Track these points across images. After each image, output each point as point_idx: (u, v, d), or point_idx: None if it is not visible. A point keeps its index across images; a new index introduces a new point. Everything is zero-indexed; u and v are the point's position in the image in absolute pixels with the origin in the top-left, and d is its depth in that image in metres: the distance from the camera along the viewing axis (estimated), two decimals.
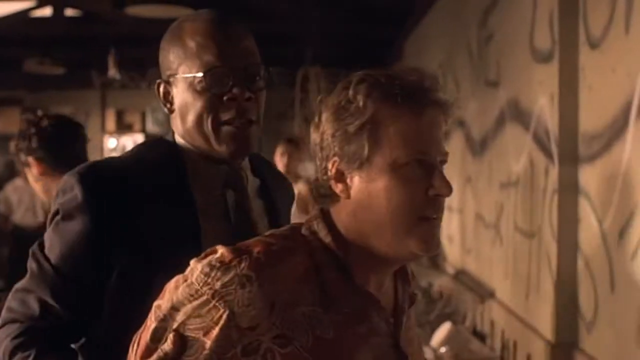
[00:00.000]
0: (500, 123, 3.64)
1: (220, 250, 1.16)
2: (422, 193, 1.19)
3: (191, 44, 1.48)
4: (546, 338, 2.90)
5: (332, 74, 9.68)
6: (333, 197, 1.23)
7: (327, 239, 1.21)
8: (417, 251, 1.20)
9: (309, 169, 9.34)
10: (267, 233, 1.24)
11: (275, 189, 1.68)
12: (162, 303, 1.18)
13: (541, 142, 2.99)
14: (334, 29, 7.51)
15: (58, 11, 7.18)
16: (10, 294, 1.52)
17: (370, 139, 1.17)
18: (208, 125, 1.47)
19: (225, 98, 1.46)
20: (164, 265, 1.30)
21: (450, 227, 4.95)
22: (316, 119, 1.23)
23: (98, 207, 1.42)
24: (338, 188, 1.21)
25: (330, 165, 1.21)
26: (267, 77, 1.53)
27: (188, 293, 1.15)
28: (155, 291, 1.25)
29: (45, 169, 2.71)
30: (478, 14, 4.08)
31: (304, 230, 1.23)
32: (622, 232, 2.40)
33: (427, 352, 3.52)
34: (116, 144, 10.46)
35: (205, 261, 1.15)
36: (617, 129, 2.44)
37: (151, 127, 10.30)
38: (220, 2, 6.63)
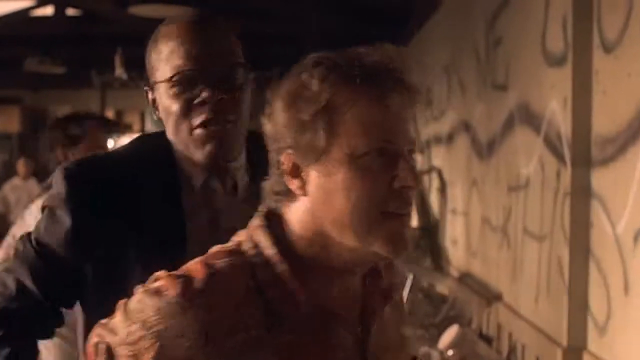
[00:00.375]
0: (509, 126, 3.64)
1: (160, 275, 1.08)
2: (385, 186, 1.06)
3: (164, 48, 1.45)
4: (557, 341, 2.90)
5: None
6: (288, 195, 1.09)
7: (271, 250, 1.08)
8: (382, 252, 1.06)
9: None
10: (214, 248, 1.12)
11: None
12: (105, 322, 1.13)
13: (553, 146, 2.99)
14: (335, 29, 7.52)
15: (59, 10, 7.17)
16: None
17: (326, 127, 1.04)
18: (184, 130, 1.44)
19: (195, 102, 1.42)
20: (145, 264, 1.30)
21: (454, 230, 4.95)
22: (268, 108, 1.09)
23: (80, 202, 1.43)
24: (293, 184, 1.08)
25: (283, 159, 1.08)
26: (247, 76, 1.47)
27: (123, 319, 1.08)
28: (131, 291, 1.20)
29: None
30: (486, 17, 4.08)
31: (244, 245, 1.10)
32: (637, 236, 2.39)
33: (434, 355, 3.52)
34: (115, 144, 10.45)
35: (143, 287, 1.08)
36: (632, 133, 2.44)
37: (150, 127, 10.30)
38: (219, 2, 6.65)
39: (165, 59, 1.44)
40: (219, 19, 1.50)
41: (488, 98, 4.09)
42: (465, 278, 4.51)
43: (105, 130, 3.54)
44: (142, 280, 1.18)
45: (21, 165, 9.34)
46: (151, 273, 1.18)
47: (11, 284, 1.48)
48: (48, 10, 7.28)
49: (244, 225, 1.18)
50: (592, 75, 2.76)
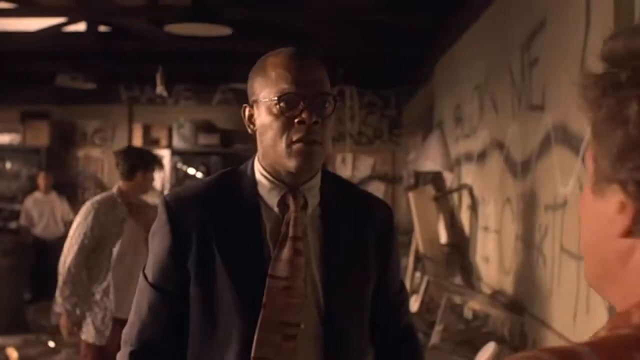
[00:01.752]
0: (546, 146, 3.68)
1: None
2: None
3: (272, 73, 1.72)
4: None
5: (358, 92, 9.79)
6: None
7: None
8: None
9: None
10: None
11: (347, 216, 1.85)
12: None
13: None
14: (364, 49, 7.60)
15: (91, 27, 7.29)
16: None
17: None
18: (282, 143, 1.69)
19: (296, 120, 1.68)
20: (230, 278, 1.69)
21: (486, 247, 4.99)
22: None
23: (177, 227, 1.74)
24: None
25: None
26: (334, 105, 1.76)
27: None
28: (214, 313, 1.70)
29: None
30: (522, 38, 4.13)
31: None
32: None
33: None
34: None
35: None
36: None
37: (177, 142, 10.38)
38: (256, 23, 6.75)
39: (272, 83, 1.71)
40: (314, 53, 1.79)
41: (523, 118, 4.14)
42: (497, 295, 4.54)
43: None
44: (228, 291, 1.67)
45: (41, 179, 9.48)
46: (236, 283, 1.68)
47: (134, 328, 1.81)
48: (79, 27, 7.39)
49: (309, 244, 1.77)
50: None
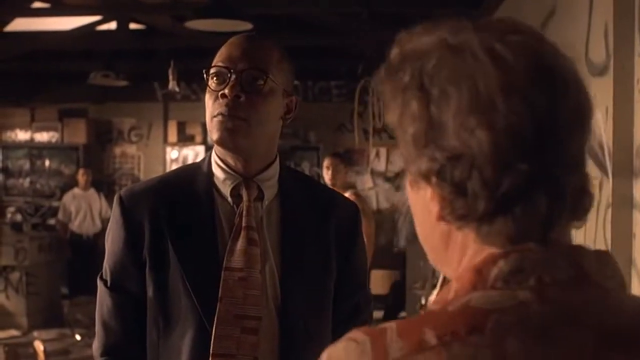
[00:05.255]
0: None
1: None
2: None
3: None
4: None
5: None
6: None
7: None
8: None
9: (359, 181, 9.36)
10: None
11: (307, 210, 1.79)
12: None
13: (594, 156, 2.96)
14: (388, 43, 7.53)
15: (122, 25, 7.37)
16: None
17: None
18: (208, 119, 1.67)
19: (219, 94, 1.65)
20: (182, 266, 1.66)
21: None
22: None
23: (130, 221, 1.71)
24: None
25: None
26: (270, 85, 1.68)
27: None
28: (170, 308, 1.68)
29: None
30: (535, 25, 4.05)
31: None
32: None
33: None
34: (178, 155, 10.64)
35: None
36: None
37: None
38: (278, 16, 6.75)
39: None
40: (268, 38, 1.75)
41: None
42: None
43: None
44: (181, 283, 1.67)
45: (81, 175, 9.60)
46: (189, 276, 1.66)
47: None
48: (112, 25, 7.48)
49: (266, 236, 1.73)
50: (634, 84, 2.73)
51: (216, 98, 1.65)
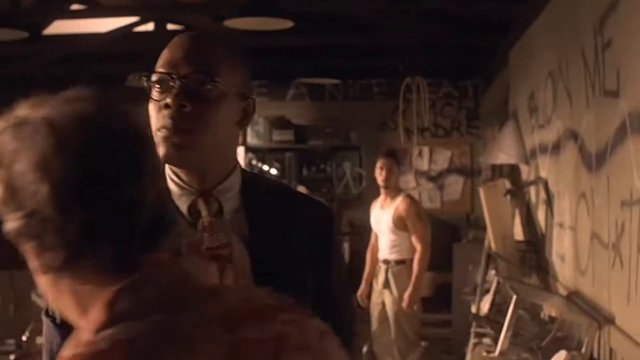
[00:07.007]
0: (621, 136, 3.36)
1: None
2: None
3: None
4: None
5: (434, 83, 9.50)
6: None
7: None
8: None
9: (402, 181, 9.15)
10: None
11: (274, 218, 1.59)
12: None
13: None
14: (434, 39, 7.33)
15: (160, 26, 7.27)
16: None
17: None
18: (153, 131, 1.49)
19: (161, 104, 1.48)
20: None
21: (561, 245, 4.67)
22: None
23: None
24: None
25: None
26: (220, 89, 1.48)
27: None
28: None
29: None
30: (594, 19, 3.81)
31: None
32: None
33: None
34: None
35: None
36: None
37: (251, 139, 10.31)
38: (320, 14, 6.57)
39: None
40: (219, 36, 1.56)
41: (597, 105, 3.82)
42: (573, 297, 4.23)
43: None
44: None
45: None
46: None
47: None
48: (149, 26, 7.39)
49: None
50: None
51: (160, 109, 1.48)
